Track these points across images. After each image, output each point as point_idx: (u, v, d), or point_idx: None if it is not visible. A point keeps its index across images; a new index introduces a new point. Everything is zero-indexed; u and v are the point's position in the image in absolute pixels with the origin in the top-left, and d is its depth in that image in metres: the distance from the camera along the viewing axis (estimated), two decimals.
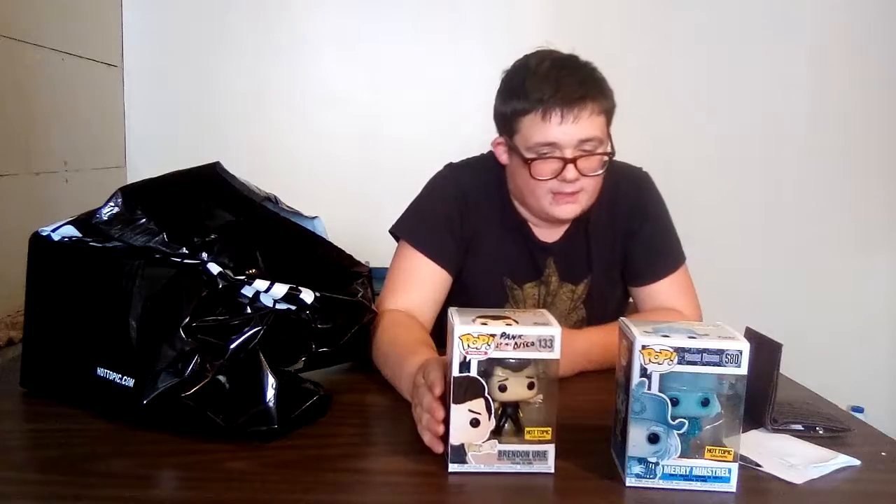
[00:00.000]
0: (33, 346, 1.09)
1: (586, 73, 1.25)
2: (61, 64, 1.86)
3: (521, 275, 1.35)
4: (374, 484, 0.88)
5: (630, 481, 0.83)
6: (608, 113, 1.25)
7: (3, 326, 1.54)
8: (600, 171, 1.25)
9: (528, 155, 1.22)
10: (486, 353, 0.83)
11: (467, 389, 0.84)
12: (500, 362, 0.84)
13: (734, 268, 2.30)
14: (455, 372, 0.84)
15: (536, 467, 0.86)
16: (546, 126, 1.20)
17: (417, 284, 1.29)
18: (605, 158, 1.25)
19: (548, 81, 1.20)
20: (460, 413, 0.85)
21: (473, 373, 0.84)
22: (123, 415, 0.97)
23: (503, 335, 0.83)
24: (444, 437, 0.87)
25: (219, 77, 2.24)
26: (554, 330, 0.84)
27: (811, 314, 2.34)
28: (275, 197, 1.21)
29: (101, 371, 0.98)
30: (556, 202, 1.25)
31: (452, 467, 0.86)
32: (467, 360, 0.83)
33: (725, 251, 2.30)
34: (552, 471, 0.86)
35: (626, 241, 1.36)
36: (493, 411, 0.85)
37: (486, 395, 0.84)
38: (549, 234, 1.35)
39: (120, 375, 0.97)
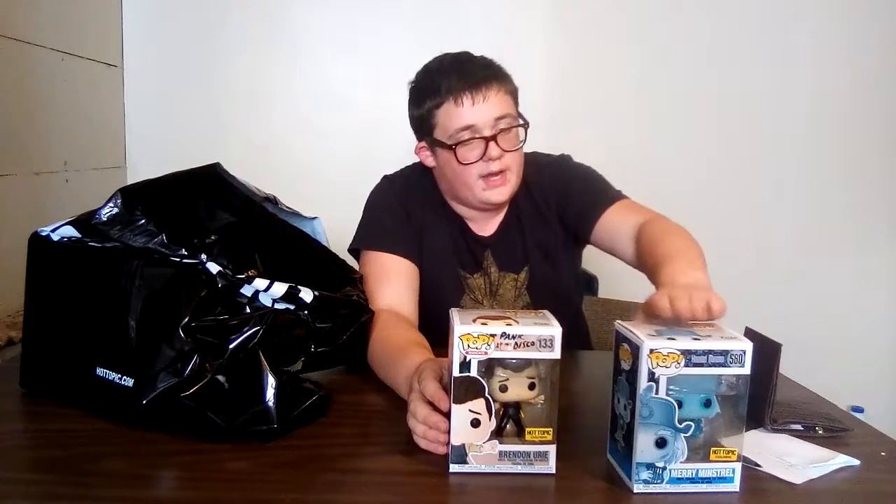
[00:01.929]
0: (33, 346, 1.09)
1: (485, 60, 1.33)
2: (61, 64, 1.86)
3: (467, 266, 1.41)
4: (374, 484, 0.88)
5: (638, 487, 0.82)
6: (513, 94, 1.34)
7: (3, 326, 1.54)
8: (520, 145, 1.32)
9: (451, 142, 1.29)
10: (486, 353, 0.83)
11: (468, 389, 0.84)
12: (501, 362, 0.84)
13: (734, 268, 2.29)
14: (455, 372, 0.84)
15: (537, 468, 0.86)
16: (460, 111, 1.28)
17: (390, 281, 1.32)
18: (522, 131, 1.32)
19: (453, 72, 1.30)
20: (461, 413, 0.85)
21: (474, 373, 0.84)
22: (123, 415, 0.97)
23: (503, 335, 0.83)
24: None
25: (219, 77, 2.24)
26: (554, 330, 0.84)
27: (811, 314, 2.34)
28: (274, 197, 1.21)
29: (100, 371, 0.98)
30: (487, 187, 1.31)
31: (453, 468, 0.86)
32: (467, 360, 0.83)
33: (725, 251, 2.28)
34: (553, 471, 0.86)
35: (561, 215, 1.40)
36: (493, 411, 0.85)
37: (487, 395, 0.84)
38: (484, 229, 1.42)
39: (119, 375, 0.97)
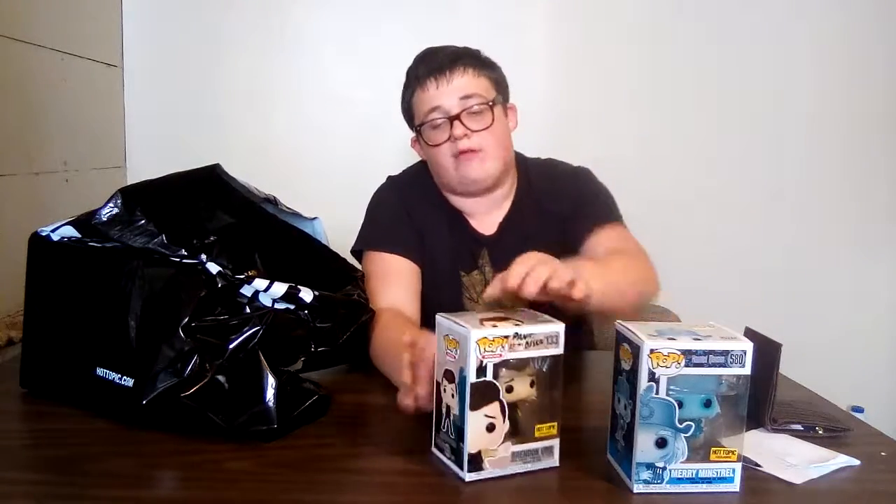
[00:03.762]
0: (33, 346, 1.09)
1: (459, 49, 1.34)
2: (61, 64, 1.86)
3: (464, 264, 1.40)
4: (374, 484, 0.88)
5: (638, 487, 0.82)
6: (495, 81, 1.35)
7: (3, 326, 1.53)
8: (490, 126, 1.30)
9: (419, 124, 1.33)
10: (500, 355, 0.83)
11: (483, 395, 0.83)
12: (506, 363, 0.84)
13: (734, 267, 2.30)
14: (472, 378, 0.82)
15: (545, 463, 0.87)
16: (425, 95, 1.31)
17: (393, 281, 1.32)
18: (490, 110, 1.30)
19: (421, 62, 1.34)
20: (476, 420, 0.83)
21: (489, 377, 0.83)
22: (123, 415, 0.97)
23: (516, 335, 0.83)
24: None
25: (219, 77, 2.23)
26: (558, 326, 0.85)
27: (811, 314, 2.34)
28: (274, 198, 1.21)
29: (100, 371, 0.98)
30: (459, 162, 1.30)
31: (470, 476, 0.84)
32: (484, 364, 0.82)
33: (725, 251, 2.29)
34: (557, 464, 0.87)
35: (564, 224, 1.37)
36: (507, 414, 0.85)
37: (501, 397, 0.84)
38: (484, 227, 1.41)
39: (119, 375, 0.97)
